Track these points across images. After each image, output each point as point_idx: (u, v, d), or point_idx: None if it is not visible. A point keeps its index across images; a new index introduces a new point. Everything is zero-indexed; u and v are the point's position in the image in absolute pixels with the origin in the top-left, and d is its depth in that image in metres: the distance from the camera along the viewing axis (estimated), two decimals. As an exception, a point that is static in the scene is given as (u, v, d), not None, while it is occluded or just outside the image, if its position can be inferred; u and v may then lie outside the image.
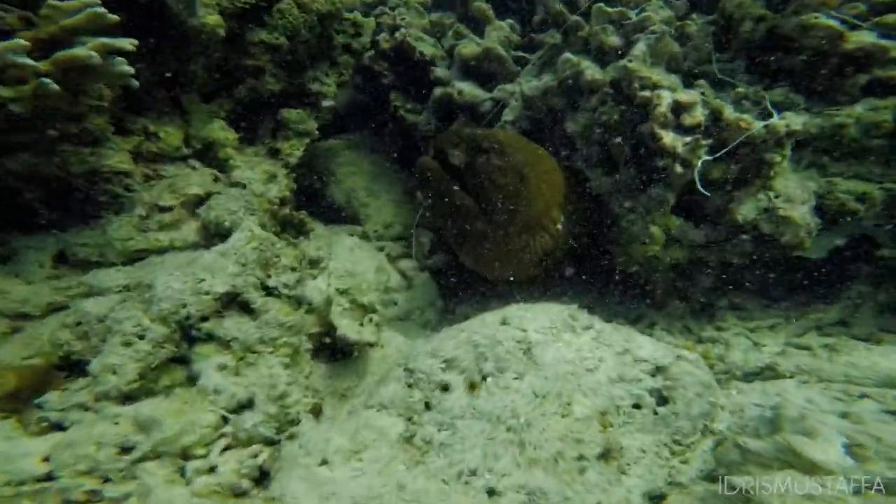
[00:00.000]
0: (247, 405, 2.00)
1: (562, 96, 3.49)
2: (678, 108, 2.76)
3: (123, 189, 2.59)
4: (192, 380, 2.07)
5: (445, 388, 1.93)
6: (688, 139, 2.73)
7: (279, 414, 2.02)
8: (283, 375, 2.09)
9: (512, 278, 3.75)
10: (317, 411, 2.16)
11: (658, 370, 2.23)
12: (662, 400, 2.18)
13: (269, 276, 2.49)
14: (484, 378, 2.04)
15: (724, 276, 3.43)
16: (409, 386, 1.97)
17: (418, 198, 4.77)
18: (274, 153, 3.85)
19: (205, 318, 2.06)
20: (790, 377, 2.75)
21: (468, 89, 4.39)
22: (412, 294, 4.38)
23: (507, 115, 3.95)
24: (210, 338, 2.04)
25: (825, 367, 2.74)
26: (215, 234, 2.69)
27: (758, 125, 2.64)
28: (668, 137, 2.73)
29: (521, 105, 3.90)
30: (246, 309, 2.20)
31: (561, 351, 2.19)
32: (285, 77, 3.71)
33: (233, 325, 2.10)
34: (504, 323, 2.36)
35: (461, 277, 4.62)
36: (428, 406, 1.91)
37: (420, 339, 2.27)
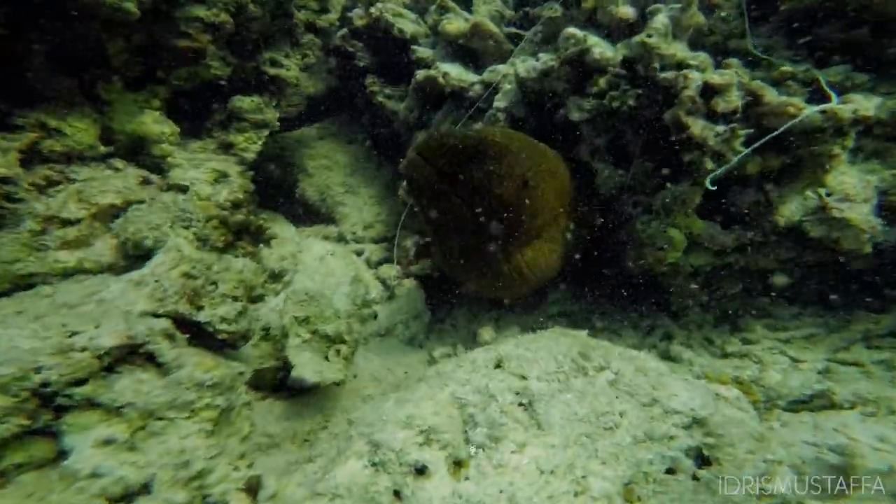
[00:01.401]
0: (141, 491, 1.48)
1: (564, 79, 2.94)
2: (709, 92, 2.23)
3: (1, 199, 2.04)
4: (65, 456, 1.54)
5: (422, 471, 1.44)
6: (721, 128, 2.20)
7: (193, 500, 1.52)
8: (203, 447, 1.58)
9: (513, 298, 3.25)
10: (253, 488, 1.66)
11: (696, 423, 1.74)
12: (704, 461, 1.69)
13: (199, 309, 1.96)
14: (474, 452, 1.54)
15: (751, 283, 2.95)
16: (374, 466, 1.47)
17: (401, 195, 4.22)
18: (226, 148, 3.28)
19: (80, 382, 1.53)
20: (850, 408, 2.28)
21: (455, 72, 3.81)
22: (395, 306, 3.86)
23: (500, 101, 3.38)
24: (91, 404, 1.52)
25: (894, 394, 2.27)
26: (135, 255, 2.14)
27: (810, 110, 2.12)
28: (697, 127, 2.21)
29: (516, 89, 3.34)
30: (154, 362, 1.68)
31: (571, 405, 1.70)
32: (233, 60, 3.12)
33: (128, 387, 1.58)
34: (499, 366, 1.85)
35: (451, 284, 4.12)
36: (398, 496, 1.41)
37: (387, 400, 1.75)
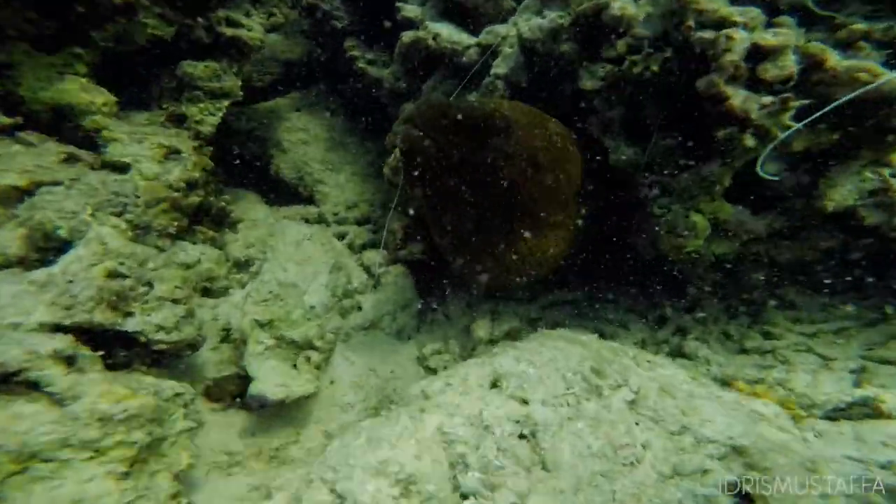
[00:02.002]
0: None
1: (575, 40, 2.49)
2: (757, 56, 1.82)
3: None
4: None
5: (395, 535, 1.11)
6: (769, 99, 1.81)
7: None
8: (115, 492, 1.24)
9: (518, 284, 2.90)
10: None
11: (734, 451, 1.43)
12: (745, 499, 1.39)
13: (128, 317, 1.59)
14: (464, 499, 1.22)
15: (778, 272, 2.61)
16: (336, 526, 1.15)
17: (386, 174, 3.80)
18: (179, 121, 2.84)
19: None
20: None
21: (447, 33, 3.32)
22: (381, 295, 3.50)
23: (499, 67, 2.94)
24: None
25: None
26: (49, 248, 1.75)
27: (891, 76, 1.73)
28: (738, 97, 1.82)
29: (518, 52, 2.88)
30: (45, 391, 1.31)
31: (583, 437, 1.37)
32: (177, 18, 2.63)
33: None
34: (496, 385, 1.51)
35: (443, 269, 3.76)
36: (365, 568, 1.09)
37: (359, 435, 1.40)
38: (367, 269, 3.58)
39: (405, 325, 3.47)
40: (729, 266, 2.53)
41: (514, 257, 2.47)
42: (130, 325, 1.58)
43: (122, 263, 1.68)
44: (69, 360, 1.36)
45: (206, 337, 1.91)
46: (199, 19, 2.75)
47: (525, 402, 1.46)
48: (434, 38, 3.32)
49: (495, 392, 1.50)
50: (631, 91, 2.22)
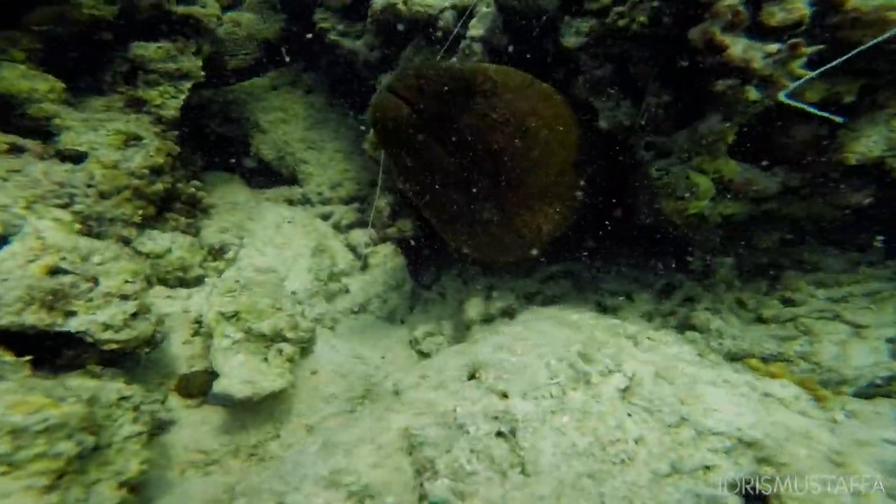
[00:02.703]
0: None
1: None
2: None
3: None
4: None
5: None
6: (774, 48, 1.56)
7: None
8: None
9: (513, 261, 2.74)
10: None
11: (744, 444, 1.26)
12: (759, 500, 1.24)
13: (69, 316, 1.46)
14: (429, 513, 1.08)
15: (797, 232, 2.39)
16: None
17: (367, 150, 3.58)
18: (137, 105, 2.64)
19: None
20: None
21: (419, -4, 3.06)
22: (369, 277, 3.35)
23: (476, 29, 2.69)
24: None
25: None
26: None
27: None
28: (738, 47, 1.57)
29: (495, 12, 2.62)
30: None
31: (568, 433, 1.22)
32: None
33: None
34: (473, 376, 1.36)
35: (436, 246, 3.60)
36: None
37: (316, 441, 1.25)
38: (353, 250, 3.43)
39: (397, 306, 3.33)
40: (740, 227, 2.31)
41: (506, 233, 2.30)
42: (73, 325, 1.45)
43: (63, 259, 1.54)
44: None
45: (167, 333, 1.78)
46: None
47: (504, 395, 1.30)
48: (405, 3, 3.06)
49: (473, 384, 1.35)
50: (619, 46, 1.96)
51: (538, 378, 1.32)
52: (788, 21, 1.55)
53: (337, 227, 3.66)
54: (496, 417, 1.26)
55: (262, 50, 4.44)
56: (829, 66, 1.57)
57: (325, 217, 3.68)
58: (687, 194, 2.02)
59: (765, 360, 2.17)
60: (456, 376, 1.40)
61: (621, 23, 1.83)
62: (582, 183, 2.40)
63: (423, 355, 2.95)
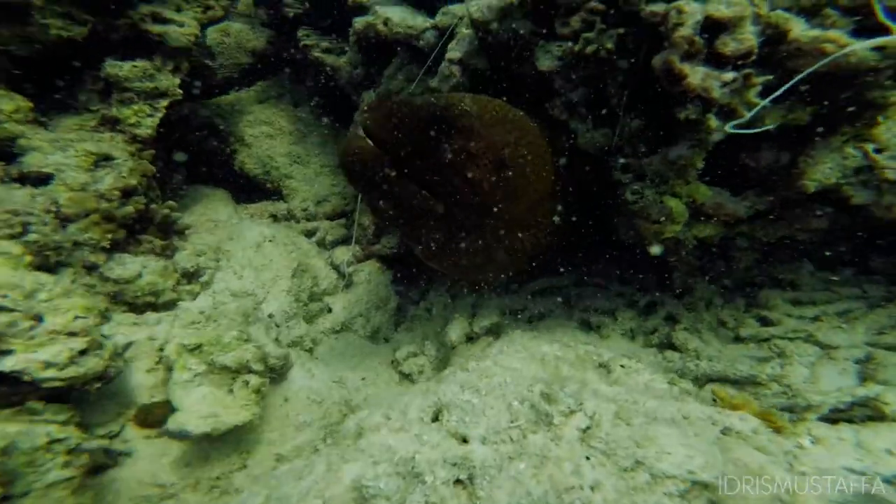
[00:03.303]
0: None
1: (528, 18, 2.22)
2: (714, 28, 1.55)
3: None
4: None
5: None
6: (730, 76, 1.54)
7: None
8: None
9: (494, 280, 2.73)
10: None
11: (697, 487, 1.22)
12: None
13: (3, 354, 1.41)
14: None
15: (771, 252, 2.36)
16: None
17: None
18: (112, 124, 2.61)
19: None
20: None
21: (398, 16, 3.05)
22: (353, 295, 3.31)
23: (454, 52, 2.67)
24: None
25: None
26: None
27: (857, 45, 1.46)
28: (696, 75, 1.56)
29: (473, 35, 2.60)
30: None
31: (524, 481, 1.17)
32: (89, 18, 2.37)
33: None
34: (437, 418, 1.32)
35: (422, 263, 3.57)
36: None
37: (258, 493, 1.21)
38: (336, 269, 3.39)
39: (380, 325, 3.28)
40: (716, 249, 2.28)
41: (484, 260, 2.30)
42: (7, 365, 1.40)
43: (3, 297, 1.49)
44: None
45: (127, 364, 1.73)
46: (122, 18, 2.49)
47: (465, 439, 1.26)
48: (385, 23, 3.05)
49: (435, 427, 1.30)
50: (590, 70, 1.94)
51: (499, 421, 1.28)
52: (740, 50, 1.53)
53: (322, 244, 3.62)
54: (455, 464, 1.21)
55: (251, 60, 4.44)
56: (774, 94, 1.56)
57: (310, 233, 3.65)
58: (662, 218, 1.98)
59: (736, 383, 2.15)
60: (419, 418, 1.35)
61: (590, 49, 1.80)
62: (559, 208, 2.40)
63: (405, 376, 2.91)
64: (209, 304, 2.40)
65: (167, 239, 2.74)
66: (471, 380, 1.48)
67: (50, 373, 1.44)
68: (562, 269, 3.42)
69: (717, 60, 1.55)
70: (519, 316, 3.20)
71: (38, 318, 1.49)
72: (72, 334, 1.51)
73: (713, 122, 1.58)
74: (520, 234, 2.27)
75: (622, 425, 1.25)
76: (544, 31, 2.07)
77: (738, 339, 2.53)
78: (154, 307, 2.42)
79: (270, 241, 3.22)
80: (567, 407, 1.32)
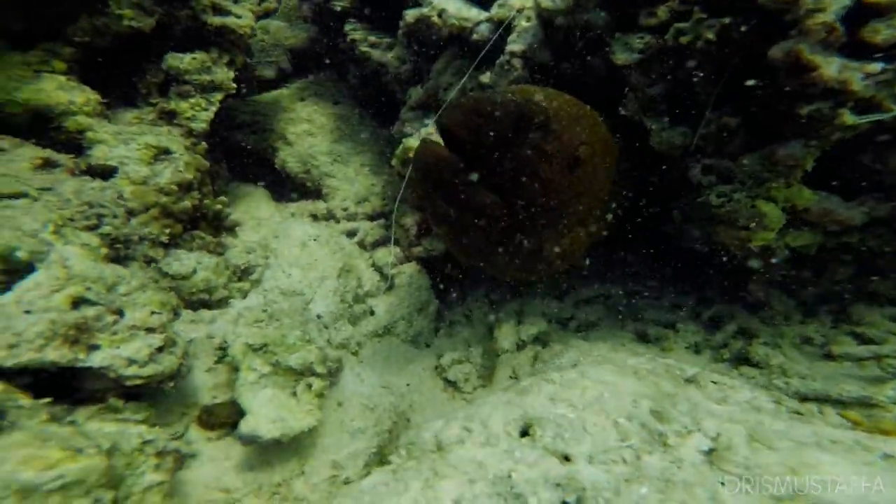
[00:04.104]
0: None
1: (605, 8, 2.11)
2: (863, 13, 1.42)
3: None
4: None
5: None
6: (875, 67, 1.40)
7: None
8: None
9: (547, 276, 2.63)
10: None
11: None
12: None
13: (91, 350, 1.35)
14: None
15: (873, 265, 2.18)
16: None
17: (395, 166, 3.49)
18: (169, 117, 2.59)
19: None
20: None
21: (454, 8, 2.97)
22: (395, 298, 3.22)
23: (515, 44, 2.57)
24: None
25: None
26: (12, 271, 1.53)
27: None
28: (830, 67, 1.42)
29: (537, 26, 2.50)
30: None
31: (648, 508, 1.05)
32: (157, 9, 2.36)
33: None
34: (526, 433, 1.21)
35: (461, 267, 3.47)
36: None
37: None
38: (379, 270, 3.31)
39: (422, 329, 3.19)
40: (807, 258, 2.12)
41: (536, 261, 2.22)
42: (96, 361, 1.35)
43: (88, 289, 1.44)
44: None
45: (192, 366, 1.67)
46: (184, 10, 2.48)
47: (567, 458, 1.15)
48: (439, 15, 2.97)
49: (527, 443, 1.19)
50: (677, 64, 1.82)
51: (606, 439, 1.17)
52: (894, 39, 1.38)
53: (362, 245, 3.55)
54: (558, 484, 1.10)
55: (289, 58, 4.43)
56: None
57: (351, 233, 3.59)
58: (752, 224, 1.85)
59: (841, 403, 1.97)
60: (506, 432, 1.24)
61: (683, 39, 1.69)
62: (614, 205, 2.31)
63: (450, 384, 2.81)
64: (261, 303, 2.35)
65: (218, 235, 2.70)
66: (561, 392, 1.36)
67: (132, 370, 1.38)
68: (609, 276, 3.29)
69: (858, 50, 1.41)
70: (568, 325, 3.08)
71: (120, 313, 1.43)
72: (150, 330, 1.45)
73: (848, 117, 1.44)
74: (579, 231, 2.19)
75: (763, 449, 1.12)
76: (621, 22, 1.96)
77: (829, 357, 2.31)
78: (207, 305, 2.37)
79: (315, 240, 3.16)
80: (683, 426, 1.20)
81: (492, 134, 1.76)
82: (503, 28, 2.68)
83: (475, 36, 2.85)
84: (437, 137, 1.89)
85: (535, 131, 1.83)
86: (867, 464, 1.09)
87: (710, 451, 1.17)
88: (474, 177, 1.81)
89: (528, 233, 2.06)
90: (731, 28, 1.58)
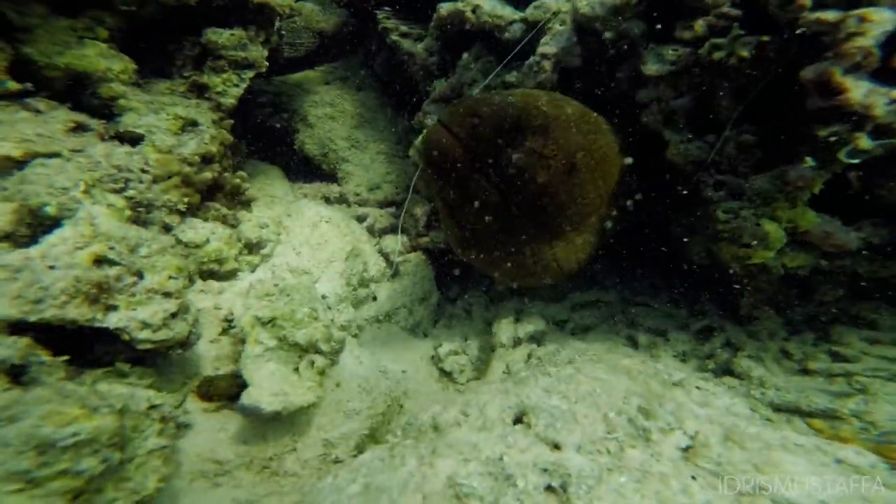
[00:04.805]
0: None
1: (643, 18, 2.15)
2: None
3: None
4: None
5: None
6: None
7: None
8: None
9: (533, 287, 2.70)
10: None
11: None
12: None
13: (110, 311, 1.42)
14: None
15: (860, 289, 2.24)
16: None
17: (412, 155, 3.54)
18: (200, 91, 2.65)
19: None
20: None
21: (489, 5, 3.01)
22: (398, 285, 3.29)
23: (548, 46, 2.61)
24: None
25: None
26: (39, 224, 1.60)
27: None
28: (859, 90, 1.45)
29: (571, 31, 2.54)
30: None
31: (627, 495, 1.12)
32: None
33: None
34: (520, 421, 1.28)
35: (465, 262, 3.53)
36: None
37: (352, 480, 1.19)
38: (385, 257, 3.38)
39: (421, 318, 3.26)
40: (800, 279, 2.17)
41: (536, 263, 2.28)
42: (112, 321, 1.41)
43: (111, 248, 1.51)
44: (17, 371, 1.19)
45: (201, 334, 1.73)
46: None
47: (556, 446, 1.21)
48: (473, 11, 3.00)
49: (520, 430, 1.26)
50: (705, 78, 1.86)
51: (595, 431, 1.23)
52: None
53: (370, 231, 3.62)
54: (546, 470, 1.17)
55: (318, 41, 4.46)
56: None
57: (360, 219, 3.65)
58: (754, 242, 1.90)
59: (810, 415, 2.07)
60: (501, 418, 1.31)
61: (717, 55, 1.73)
62: (614, 213, 2.36)
63: (445, 374, 2.88)
64: (269, 278, 2.41)
65: (233, 208, 2.76)
66: (556, 385, 1.43)
67: (146, 333, 1.44)
68: (607, 282, 3.34)
69: (883, 74, 1.44)
70: (564, 327, 3.14)
71: (139, 275, 1.50)
72: (167, 295, 1.51)
73: (864, 142, 1.48)
74: (575, 238, 2.26)
75: (735, 448, 1.18)
76: (656, 33, 2.00)
77: (804, 372, 2.41)
78: (216, 275, 2.44)
79: (327, 221, 3.23)
80: (667, 424, 1.26)
81: (488, 135, 1.82)
82: (536, 30, 2.72)
83: (507, 35, 2.89)
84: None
85: (534, 135, 1.91)
86: (823, 465, 1.16)
87: (686, 448, 1.23)
88: (469, 168, 1.88)
89: (523, 234, 2.14)
90: (767, 47, 1.62)
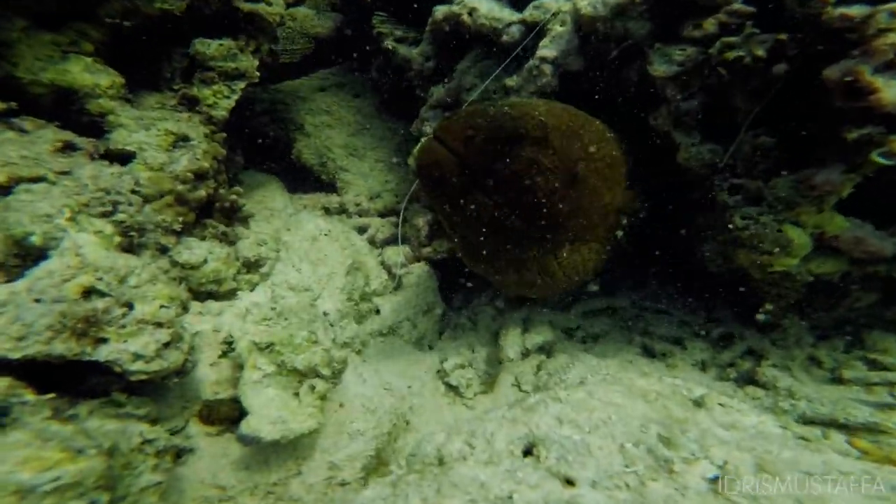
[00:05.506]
0: None
1: (647, 18, 2.05)
2: None
3: None
4: None
5: None
6: None
7: None
8: None
9: (542, 298, 2.62)
10: None
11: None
12: None
13: (99, 343, 1.36)
14: None
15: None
16: None
17: (411, 164, 3.47)
18: (190, 103, 2.59)
19: None
20: None
21: (485, 8, 2.91)
22: (401, 298, 3.21)
23: (547, 49, 2.51)
24: None
25: None
26: (27, 255, 1.54)
27: None
28: (891, 91, 1.35)
29: (572, 32, 2.44)
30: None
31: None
32: None
33: None
34: (529, 453, 1.19)
35: (470, 271, 3.45)
36: None
37: None
38: (387, 269, 3.30)
39: (426, 331, 3.17)
40: (828, 285, 2.06)
41: (543, 275, 2.21)
42: (102, 354, 1.35)
43: (99, 279, 1.44)
44: (-2, 414, 1.13)
45: (197, 361, 1.67)
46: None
47: (570, 481, 1.12)
48: (470, 14, 2.91)
49: (530, 463, 1.17)
50: (717, 79, 1.76)
51: (611, 464, 1.14)
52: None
53: (372, 242, 3.54)
54: (561, 509, 1.08)
55: (313, 46, 4.40)
56: None
57: (361, 229, 3.58)
58: (776, 249, 1.80)
59: (847, 428, 1.93)
60: (509, 450, 1.23)
61: (730, 55, 1.63)
62: (624, 222, 2.27)
63: (451, 388, 2.80)
64: (269, 298, 2.35)
65: (230, 225, 2.70)
66: (567, 412, 1.34)
67: (138, 365, 1.37)
68: (618, 290, 3.24)
69: None
70: (573, 336, 3.05)
71: (129, 306, 1.43)
72: (158, 325, 1.45)
73: None
74: (578, 248, 2.18)
75: (772, 479, 1.09)
76: (662, 33, 1.90)
77: (838, 381, 2.27)
78: (215, 296, 2.38)
79: (326, 234, 3.16)
80: (690, 453, 1.17)
81: (484, 147, 1.75)
82: (535, 32, 2.62)
83: (505, 37, 2.78)
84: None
85: (532, 146, 1.83)
86: (879, 499, 1.06)
87: (714, 479, 1.14)
88: (464, 182, 1.82)
89: (527, 246, 2.06)
90: (785, 45, 1.52)
